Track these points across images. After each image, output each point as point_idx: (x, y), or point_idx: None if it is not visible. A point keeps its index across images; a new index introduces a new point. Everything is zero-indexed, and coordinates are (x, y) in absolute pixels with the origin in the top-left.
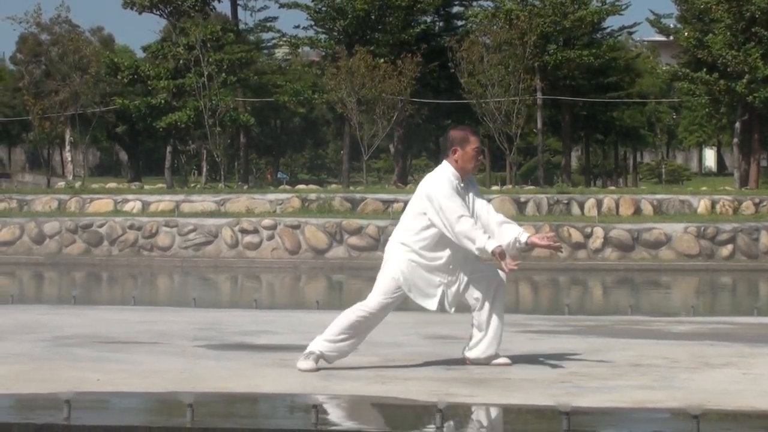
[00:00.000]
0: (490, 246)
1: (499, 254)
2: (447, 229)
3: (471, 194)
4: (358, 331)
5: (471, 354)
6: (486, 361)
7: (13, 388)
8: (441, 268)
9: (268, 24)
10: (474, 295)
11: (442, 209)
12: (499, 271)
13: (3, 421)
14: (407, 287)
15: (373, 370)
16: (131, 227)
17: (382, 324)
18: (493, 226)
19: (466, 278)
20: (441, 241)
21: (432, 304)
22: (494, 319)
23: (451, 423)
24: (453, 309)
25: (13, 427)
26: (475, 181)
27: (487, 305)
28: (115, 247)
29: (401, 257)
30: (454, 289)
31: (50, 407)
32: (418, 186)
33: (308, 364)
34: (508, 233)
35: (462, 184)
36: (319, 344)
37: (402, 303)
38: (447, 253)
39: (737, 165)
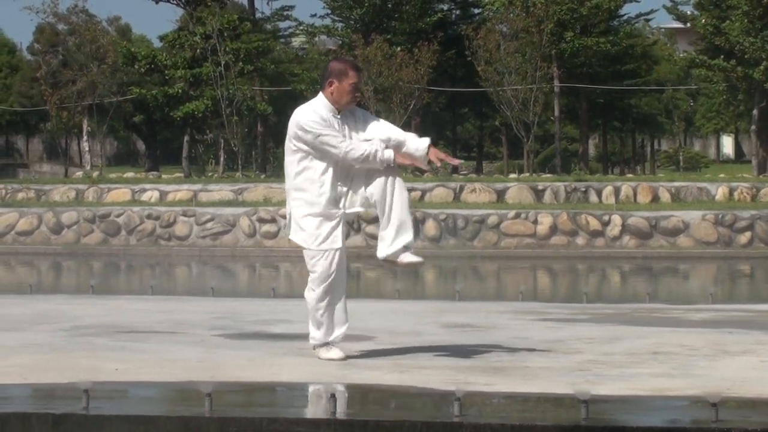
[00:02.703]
0: (388, 154)
1: (403, 157)
2: (335, 157)
3: (352, 124)
4: (331, 302)
5: (378, 253)
6: (393, 257)
7: (31, 377)
8: (330, 198)
9: (285, 13)
10: (372, 197)
11: (322, 140)
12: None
13: (22, 411)
14: (313, 242)
15: (391, 358)
16: (149, 217)
17: (400, 313)
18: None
19: (361, 186)
20: (318, 170)
21: (338, 242)
22: (394, 213)
23: (470, 411)
24: (360, 208)
25: (31, 416)
26: (358, 110)
27: (386, 203)
28: (133, 236)
29: (295, 217)
30: (351, 201)
31: (69, 397)
32: (289, 124)
33: (333, 353)
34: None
35: (338, 116)
36: (315, 335)
37: (416, 290)
38: (329, 179)
39: (755, 152)
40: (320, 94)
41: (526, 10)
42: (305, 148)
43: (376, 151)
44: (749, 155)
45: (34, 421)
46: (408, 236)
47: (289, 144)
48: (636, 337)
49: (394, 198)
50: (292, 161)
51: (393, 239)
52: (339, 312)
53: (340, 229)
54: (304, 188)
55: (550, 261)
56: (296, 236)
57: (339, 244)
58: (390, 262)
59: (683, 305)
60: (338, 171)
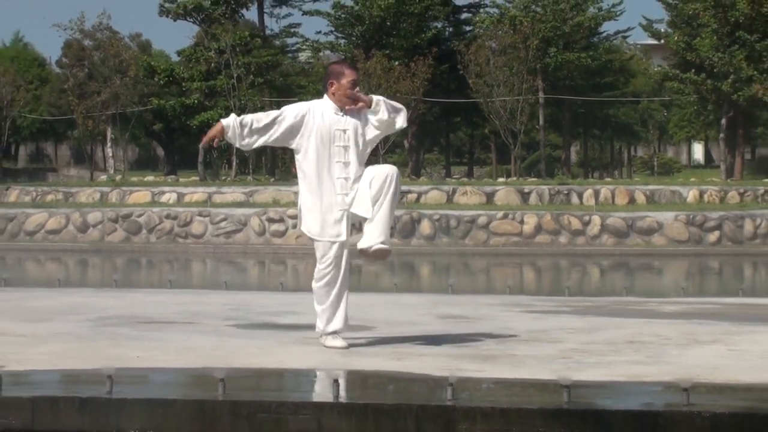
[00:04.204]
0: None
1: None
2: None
3: (357, 120)
4: (338, 292)
5: (359, 244)
6: (367, 249)
7: (59, 364)
8: (328, 190)
9: (292, 30)
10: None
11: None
12: (389, 168)
13: (50, 395)
14: (315, 232)
15: (390, 347)
16: (167, 217)
17: (398, 305)
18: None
19: (366, 187)
20: (311, 162)
21: (342, 234)
22: (381, 214)
23: (462, 396)
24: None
25: (59, 400)
26: (367, 114)
27: (378, 203)
28: (153, 235)
29: (300, 206)
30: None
31: (94, 382)
32: None
33: (337, 342)
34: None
35: (340, 113)
36: (318, 325)
37: (412, 284)
38: (323, 170)
39: (723, 158)
40: (325, 96)
41: (513, 27)
42: (298, 140)
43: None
44: (718, 161)
45: (62, 404)
46: (386, 235)
47: None
48: (614, 328)
49: (385, 202)
50: (296, 158)
51: (375, 236)
52: (343, 305)
53: (342, 223)
54: (303, 179)
55: (535, 258)
56: (302, 225)
57: (343, 237)
58: (364, 253)
59: (657, 298)
60: (332, 164)
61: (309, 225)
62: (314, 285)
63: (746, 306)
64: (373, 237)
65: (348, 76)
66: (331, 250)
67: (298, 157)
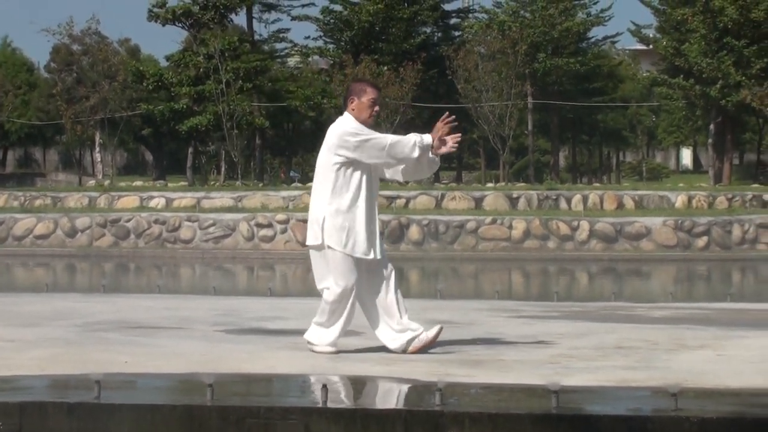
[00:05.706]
0: (427, 139)
1: (438, 141)
2: (379, 155)
3: None
4: (347, 309)
5: (413, 347)
6: (425, 339)
7: (48, 369)
8: (363, 214)
9: (281, 35)
10: (379, 278)
11: (364, 140)
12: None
13: (39, 400)
14: (350, 248)
15: (378, 352)
16: (156, 222)
17: None
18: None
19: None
20: (357, 182)
21: (374, 252)
22: (400, 298)
23: (450, 401)
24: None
25: (48, 405)
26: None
27: (391, 289)
28: (141, 240)
29: (327, 227)
30: (378, 238)
31: (82, 387)
32: (325, 140)
33: (326, 347)
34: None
35: None
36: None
37: (400, 290)
38: (363, 194)
39: (712, 163)
40: (345, 113)
41: (502, 32)
42: (349, 155)
43: (420, 139)
44: (706, 166)
45: (51, 409)
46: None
47: (329, 154)
48: (602, 333)
49: (398, 297)
50: (330, 170)
51: (414, 325)
52: (349, 318)
53: (367, 240)
54: (344, 194)
55: (524, 263)
56: (330, 239)
57: (371, 255)
58: (424, 346)
59: (646, 303)
60: (366, 181)
61: (336, 239)
62: (325, 293)
63: (734, 311)
64: (415, 326)
65: (369, 94)
66: (355, 266)
67: (348, 171)
